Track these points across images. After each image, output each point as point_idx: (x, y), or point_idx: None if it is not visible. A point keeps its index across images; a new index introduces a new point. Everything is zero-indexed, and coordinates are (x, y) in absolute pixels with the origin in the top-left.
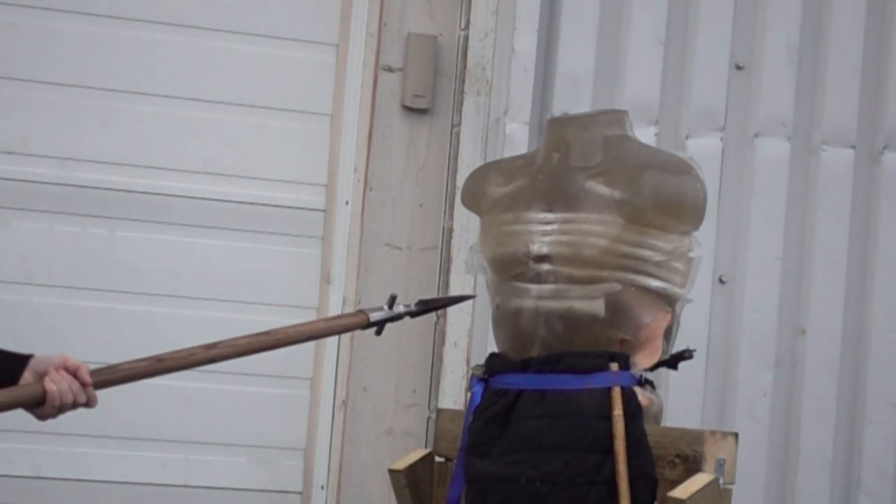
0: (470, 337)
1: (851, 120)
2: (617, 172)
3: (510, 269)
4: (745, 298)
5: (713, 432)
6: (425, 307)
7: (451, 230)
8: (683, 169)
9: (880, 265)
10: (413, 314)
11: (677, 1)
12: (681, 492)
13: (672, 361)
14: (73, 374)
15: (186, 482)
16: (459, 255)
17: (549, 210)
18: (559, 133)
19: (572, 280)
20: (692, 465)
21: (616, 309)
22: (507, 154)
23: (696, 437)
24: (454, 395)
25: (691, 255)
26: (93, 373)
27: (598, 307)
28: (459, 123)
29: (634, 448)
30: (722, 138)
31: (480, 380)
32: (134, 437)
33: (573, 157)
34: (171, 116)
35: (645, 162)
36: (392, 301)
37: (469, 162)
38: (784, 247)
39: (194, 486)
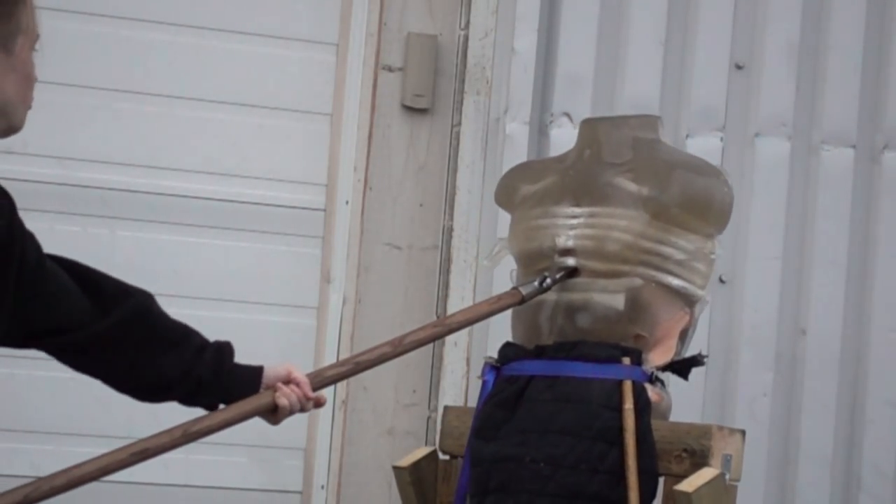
0: (470, 337)
1: (851, 120)
2: (646, 170)
3: (536, 263)
4: (745, 298)
5: (721, 428)
6: (567, 275)
7: (451, 230)
8: (712, 172)
9: (880, 265)
10: (556, 281)
11: (677, 1)
12: (687, 485)
13: (683, 367)
14: (297, 385)
15: (187, 482)
16: (459, 255)
17: (577, 205)
18: (591, 131)
19: (595, 274)
20: (699, 460)
21: (635, 304)
22: (507, 154)
23: (704, 432)
24: (454, 394)
25: (713, 256)
26: (310, 380)
27: (617, 301)
28: (459, 123)
29: (639, 443)
30: (722, 138)
31: (493, 368)
32: (134, 437)
33: (603, 154)
34: (172, 116)
35: (675, 161)
36: (542, 279)
37: (469, 162)
38: (784, 247)
39: (195, 485)
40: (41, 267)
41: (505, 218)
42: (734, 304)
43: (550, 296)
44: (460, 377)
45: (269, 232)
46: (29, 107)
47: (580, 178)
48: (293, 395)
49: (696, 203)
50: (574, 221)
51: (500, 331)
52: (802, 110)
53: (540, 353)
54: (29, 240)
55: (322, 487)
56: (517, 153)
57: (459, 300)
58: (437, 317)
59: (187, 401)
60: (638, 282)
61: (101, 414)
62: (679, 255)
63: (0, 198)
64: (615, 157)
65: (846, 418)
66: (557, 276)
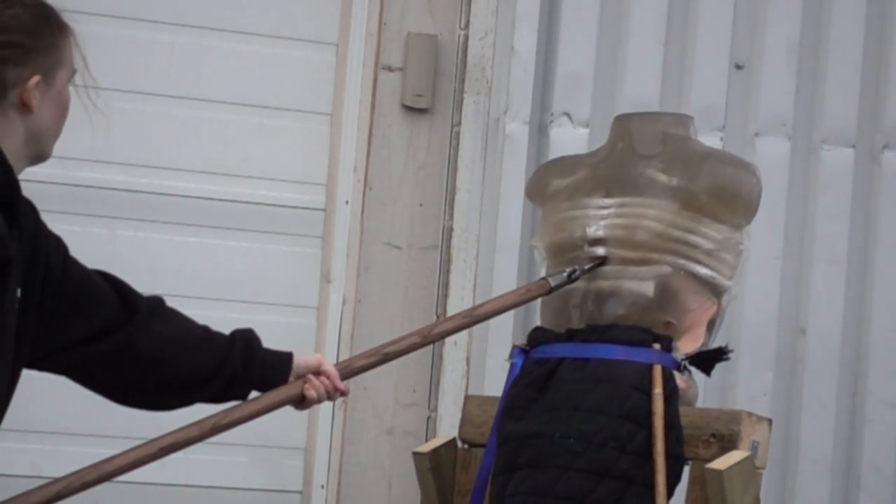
0: (470, 337)
1: (851, 120)
2: (675, 161)
3: (566, 253)
4: (745, 298)
5: (750, 414)
6: (596, 265)
7: (451, 230)
8: (741, 164)
9: (880, 265)
10: (585, 272)
11: (677, 1)
12: (719, 463)
13: (707, 360)
14: (326, 377)
15: (187, 482)
16: (459, 254)
17: (607, 195)
18: (624, 126)
19: (625, 262)
20: (727, 444)
21: (664, 291)
22: (507, 153)
23: (734, 417)
24: (454, 394)
25: (741, 247)
26: (339, 370)
27: (647, 288)
28: (459, 123)
29: (667, 428)
30: (722, 138)
31: (522, 351)
32: (134, 436)
33: (635, 147)
34: (171, 116)
35: (704, 153)
36: (572, 271)
37: (469, 162)
38: (784, 247)
39: (194, 485)
40: (64, 276)
41: (506, 218)
42: (734, 304)
43: (580, 283)
44: (460, 377)
45: (269, 232)
46: (58, 137)
47: (611, 170)
48: (322, 388)
49: (725, 192)
50: (604, 212)
51: (500, 331)
52: (802, 110)
53: (571, 336)
54: (53, 249)
55: (322, 487)
56: (517, 153)
57: (459, 300)
58: (437, 317)
59: (219, 397)
60: (667, 269)
61: (101, 414)
62: (707, 245)
63: (24, 211)
64: (646, 150)
65: (846, 418)
66: (587, 266)
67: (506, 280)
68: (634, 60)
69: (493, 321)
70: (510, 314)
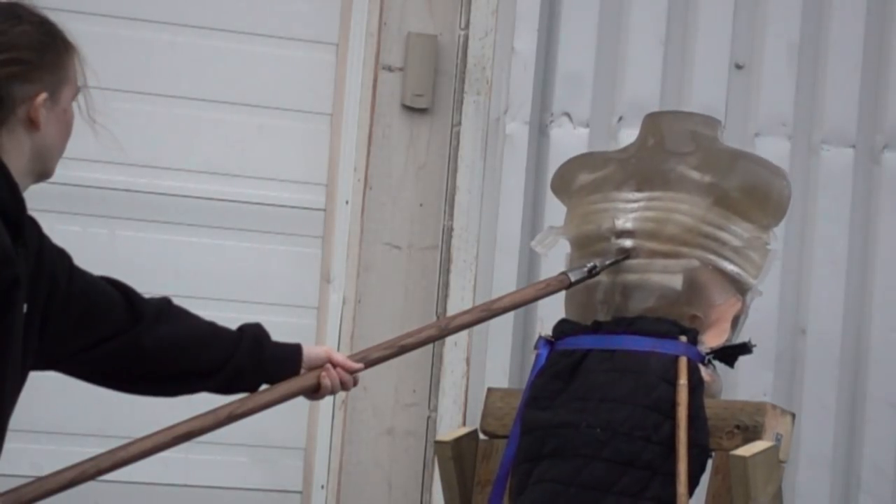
0: (470, 337)
1: (851, 120)
2: (709, 159)
3: (593, 244)
4: None
5: (774, 406)
6: (617, 261)
7: (451, 230)
8: (773, 168)
9: (880, 265)
10: (605, 267)
11: (677, 1)
12: (744, 451)
13: (730, 354)
14: (341, 367)
15: (187, 481)
16: (459, 254)
17: (638, 189)
18: (654, 123)
19: (653, 254)
20: (751, 435)
21: (692, 285)
22: (507, 153)
23: (758, 409)
24: (454, 394)
25: (769, 247)
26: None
27: (675, 281)
28: (459, 123)
29: (692, 419)
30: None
31: (547, 342)
32: (134, 436)
33: (666, 144)
34: (171, 116)
35: (737, 152)
36: (592, 267)
37: (469, 162)
38: (784, 247)
39: (194, 485)
40: (70, 289)
41: (506, 218)
42: None
43: (606, 276)
44: (460, 377)
45: (269, 232)
46: (62, 154)
47: (642, 165)
48: (336, 377)
49: (757, 191)
50: (634, 205)
51: (500, 332)
52: (802, 110)
53: (597, 327)
54: (58, 263)
55: (322, 487)
56: (517, 153)
57: (459, 300)
58: (437, 317)
59: (224, 389)
60: (695, 263)
61: (101, 414)
62: (736, 242)
63: (28, 228)
64: (677, 147)
65: (846, 418)
66: (608, 262)
67: (506, 280)
68: (634, 60)
69: (493, 322)
70: (510, 315)
